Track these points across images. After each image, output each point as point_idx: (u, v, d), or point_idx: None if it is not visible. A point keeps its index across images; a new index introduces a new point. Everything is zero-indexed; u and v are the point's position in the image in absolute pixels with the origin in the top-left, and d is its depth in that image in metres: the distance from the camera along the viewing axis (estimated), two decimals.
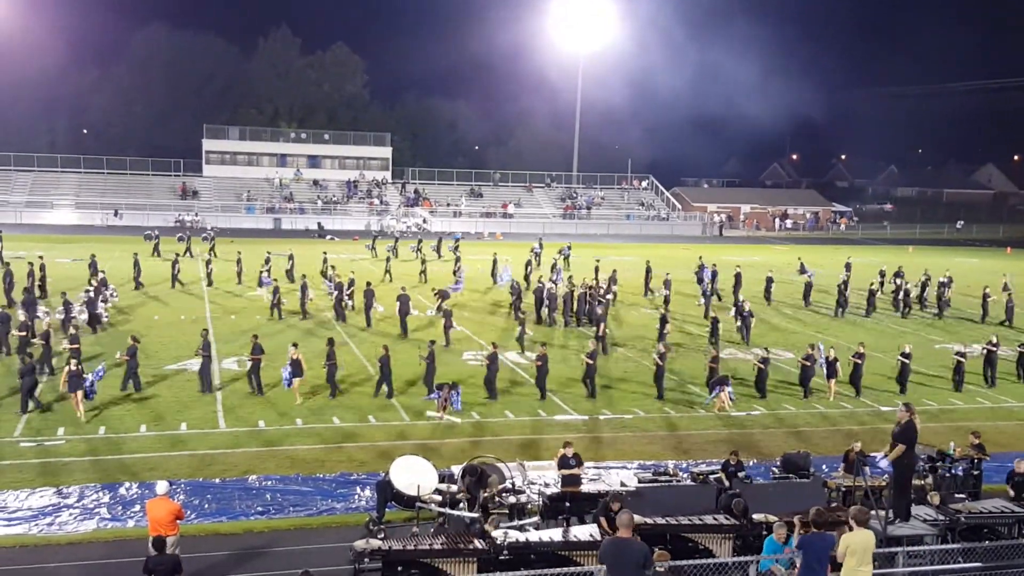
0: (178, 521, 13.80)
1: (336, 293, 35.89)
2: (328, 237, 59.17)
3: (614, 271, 43.22)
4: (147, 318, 34.49)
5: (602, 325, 31.30)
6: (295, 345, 24.16)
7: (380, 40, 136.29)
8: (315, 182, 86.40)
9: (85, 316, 32.24)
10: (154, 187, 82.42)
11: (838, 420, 24.45)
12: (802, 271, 50.03)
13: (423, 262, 47.94)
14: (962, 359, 27.75)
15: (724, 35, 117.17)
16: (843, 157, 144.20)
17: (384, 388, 24.58)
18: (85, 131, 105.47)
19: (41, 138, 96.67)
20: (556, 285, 39.53)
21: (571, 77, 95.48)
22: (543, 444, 21.23)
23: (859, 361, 26.69)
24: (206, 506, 17.13)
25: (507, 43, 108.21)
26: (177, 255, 43.84)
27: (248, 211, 79.54)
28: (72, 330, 26.60)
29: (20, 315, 29.32)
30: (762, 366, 26.21)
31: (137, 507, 16.57)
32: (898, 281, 43.88)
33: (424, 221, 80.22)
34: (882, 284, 45.50)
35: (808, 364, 26.17)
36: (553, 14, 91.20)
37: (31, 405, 22.19)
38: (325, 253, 46.88)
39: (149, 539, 13.47)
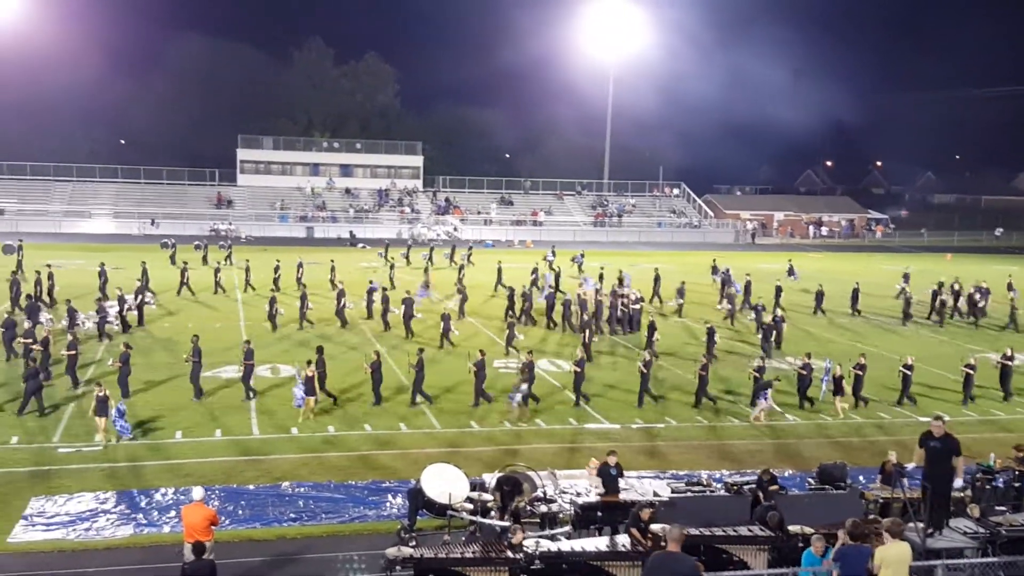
0: (212, 527, 13.89)
1: (342, 300, 35.73)
2: (360, 245, 59.45)
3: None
4: (180, 325, 34.65)
5: (653, 333, 31.42)
6: (309, 363, 24.05)
7: (412, 50, 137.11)
8: (347, 191, 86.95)
9: (118, 323, 32.81)
10: (190, 196, 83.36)
11: (873, 431, 24.13)
12: (790, 273, 49.81)
13: (425, 271, 47.74)
14: (971, 371, 26.95)
15: (756, 39, 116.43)
16: (879, 163, 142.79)
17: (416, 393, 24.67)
18: (123, 141, 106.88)
19: (80, 148, 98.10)
20: (595, 292, 39.34)
21: (602, 84, 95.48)
22: (580, 452, 21.18)
23: (860, 372, 26.09)
24: (240, 512, 17.23)
25: (538, 51, 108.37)
26: (186, 264, 43.64)
27: (281, 220, 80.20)
28: (70, 337, 26.64)
29: (25, 323, 29.78)
30: (803, 372, 25.94)
31: (173, 512, 16.71)
32: (936, 290, 43.40)
33: (455, 229, 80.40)
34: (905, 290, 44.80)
35: (804, 373, 25.76)
36: (584, 21, 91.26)
37: (32, 405, 22.65)
38: (332, 261, 46.85)
39: (185, 545, 13.63)
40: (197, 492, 14.60)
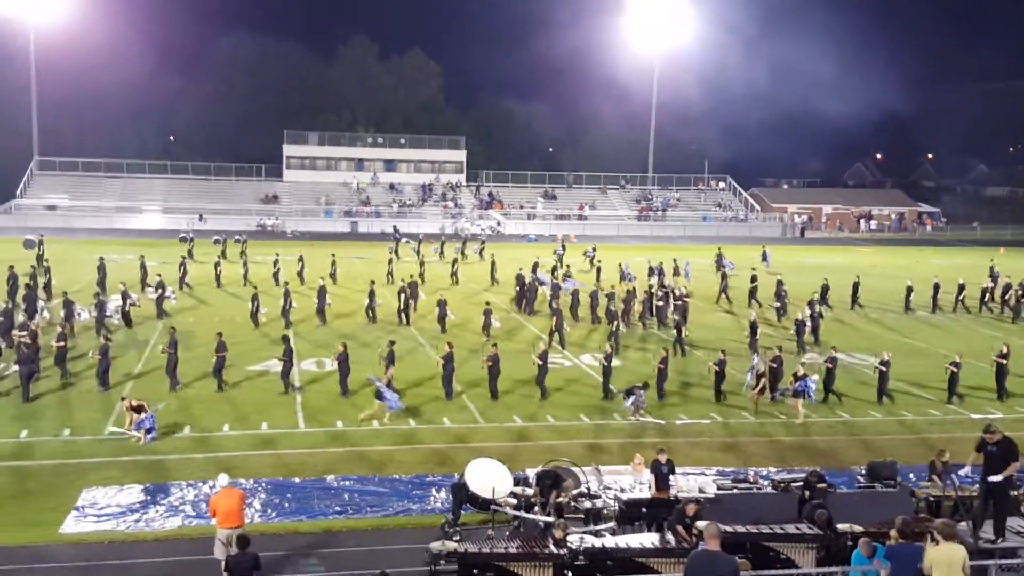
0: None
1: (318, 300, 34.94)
2: (405, 240, 59.73)
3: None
4: (207, 318, 34.80)
5: (681, 328, 31.18)
6: (389, 366, 24.14)
7: (455, 45, 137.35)
8: (391, 186, 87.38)
9: (118, 317, 33.20)
10: (237, 192, 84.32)
11: (923, 428, 23.72)
12: (719, 265, 48.65)
13: (454, 262, 48.11)
14: (955, 369, 26.06)
15: (803, 30, 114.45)
16: (930, 156, 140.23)
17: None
18: (172, 137, 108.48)
19: (130, 145, 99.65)
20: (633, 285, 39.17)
21: (646, 76, 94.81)
22: (604, 448, 21.09)
23: (830, 365, 25.66)
24: (286, 505, 17.38)
25: (581, 44, 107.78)
26: (183, 258, 43.56)
27: (326, 215, 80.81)
28: (59, 329, 27.11)
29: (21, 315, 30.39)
30: (830, 366, 25.61)
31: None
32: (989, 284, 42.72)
33: (498, 224, 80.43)
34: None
35: (775, 366, 25.31)
36: (627, 13, 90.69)
37: (34, 390, 23.57)
38: (333, 255, 46.42)
39: (220, 532, 14.00)
40: (223, 478, 14.91)
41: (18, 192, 77.67)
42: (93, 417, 22.34)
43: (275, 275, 42.66)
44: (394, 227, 72.65)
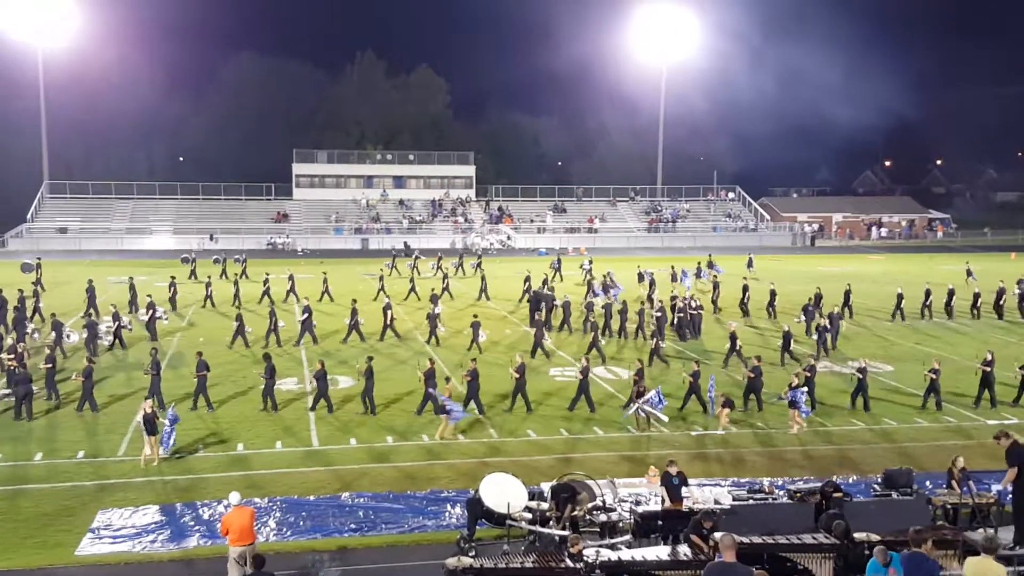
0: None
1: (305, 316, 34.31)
2: (415, 255, 59.91)
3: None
4: (216, 337, 35.00)
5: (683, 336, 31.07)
6: (448, 379, 24.06)
7: (462, 61, 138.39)
8: (401, 202, 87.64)
9: (108, 339, 33.25)
10: (247, 211, 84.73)
11: (940, 435, 23.56)
12: (749, 266, 50.97)
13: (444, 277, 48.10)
14: (934, 375, 25.65)
15: (809, 39, 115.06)
16: (939, 162, 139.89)
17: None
18: (181, 158, 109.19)
19: (140, 166, 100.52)
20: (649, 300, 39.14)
21: (653, 89, 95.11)
22: (638, 460, 21.01)
23: (809, 374, 25.25)
24: (301, 523, 17.36)
25: (588, 57, 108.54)
26: (173, 278, 43.15)
27: (336, 232, 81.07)
28: (47, 350, 27.16)
29: (8, 339, 30.46)
30: (860, 376, 25.45)
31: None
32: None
33: (508, 238, 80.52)
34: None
35: (753, 376, 25.07)
36: (633, 27, 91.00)
37: (24, 412, 23.81)
38: (325, 274, 46.61)
39: (233, 550, 14.05)
40: (235, 496, 14.90)
41: (29, 216, 78.21)
42: (108, 439, 22.39)
43: (265, 293, 42.56)
44: (404, 243, 72.90)
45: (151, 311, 35.17)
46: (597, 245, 79.26)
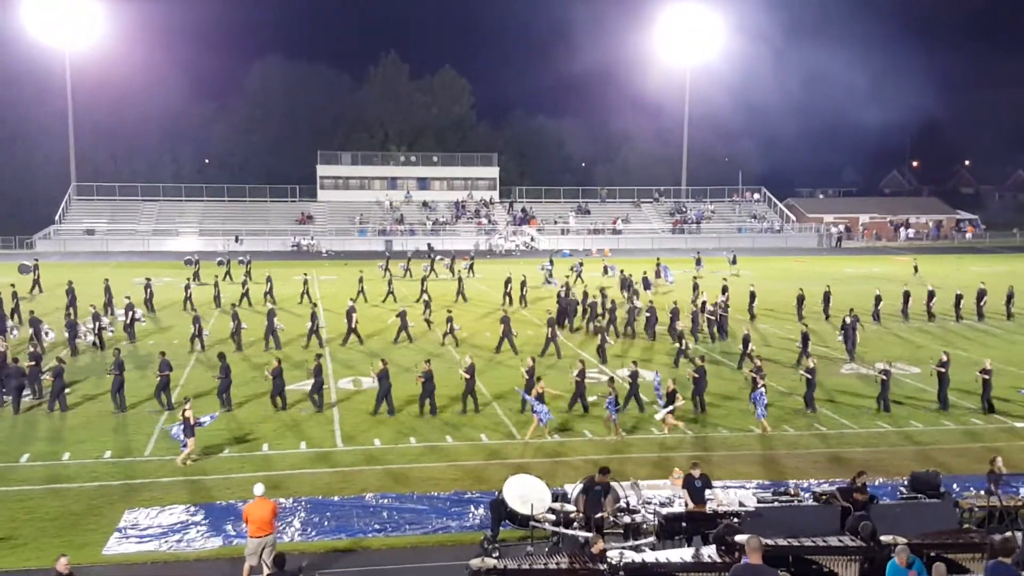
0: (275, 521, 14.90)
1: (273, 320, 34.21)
2: (439, 257, 59.99)
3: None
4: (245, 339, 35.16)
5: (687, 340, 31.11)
6: (539, 379, 24.03)
7: (486, 62, 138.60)
8: (424, 203, 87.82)
9: (89, 339, 33.55)
10: (272, 213, 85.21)
11: (964, 438, 23.31)
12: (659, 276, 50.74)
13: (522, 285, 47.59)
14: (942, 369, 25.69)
15: (836, 39, 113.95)
16: (967, 162, 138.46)
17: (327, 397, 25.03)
18: (207, 161, 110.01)
19: (166, 169, 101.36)
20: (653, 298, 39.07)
21: (678, 90, 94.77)
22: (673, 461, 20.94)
23: (884, 378, 25.17)
24: (325, 523, 17.43)
25: (611, 58, 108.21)
26: (148, 280, 43.32)
27: (360, 234, 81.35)
28: (31, 348, 27.67)
29: None
30: (884, 378, 25.24)
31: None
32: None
33: (532, 239, 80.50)
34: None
35: (697, 376, 25.10)
36: (657, 28, 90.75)
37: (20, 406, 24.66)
38: (361, 272, 46.89)
39: (251, 541, 14.50)
40: (259, 488, 15.23)
41: (57, 218, 79.03)
42: (135, 439, 22.59)
43: (244, 295, 43.20)
44: (428, 245, 73.07)
45: (130, 312, 35.38)
46: (621, 246, 79.03)
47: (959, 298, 40.95)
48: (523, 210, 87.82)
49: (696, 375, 25.22)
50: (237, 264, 55.99)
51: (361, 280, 45.63)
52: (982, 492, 17.04)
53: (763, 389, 23.55)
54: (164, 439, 22.40)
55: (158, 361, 25.67)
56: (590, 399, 24.98)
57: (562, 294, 40.30)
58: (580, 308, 38.97)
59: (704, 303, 37.24)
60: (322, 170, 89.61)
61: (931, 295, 40.97)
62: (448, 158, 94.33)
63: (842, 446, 22.53)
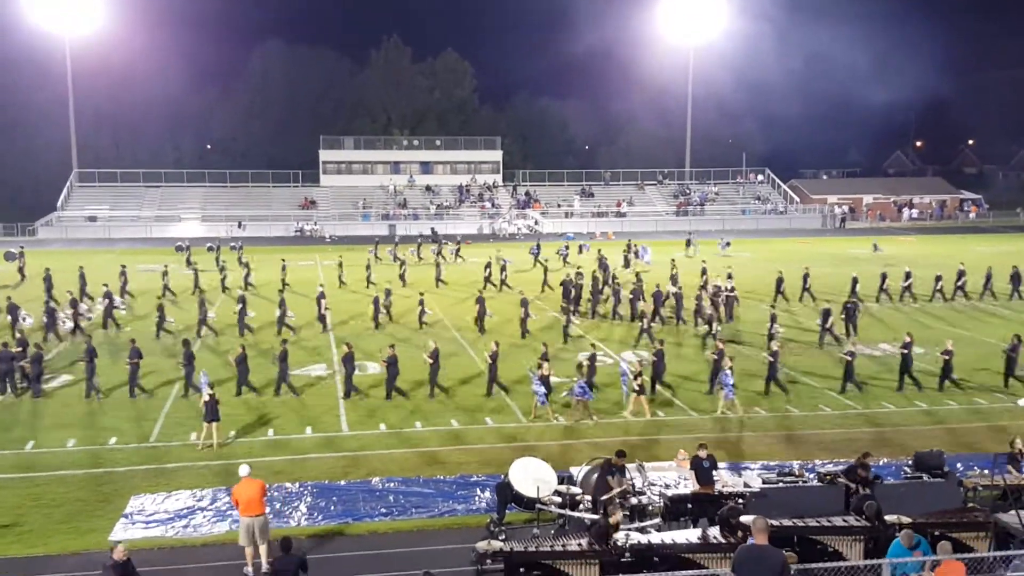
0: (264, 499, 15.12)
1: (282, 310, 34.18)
2: (443, 241, 59.96)
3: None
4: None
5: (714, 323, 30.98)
6: (547, 360, 24.19)
7: (488, 45, 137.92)
8: (428, 188, 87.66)
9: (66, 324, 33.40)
10: (274, 198, 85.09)
11: (967, 417, 23.33)
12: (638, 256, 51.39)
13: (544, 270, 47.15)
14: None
15: (839, 18, 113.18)
16: (971, 142, 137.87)
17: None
18: (209, 146, 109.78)
19: (168, 155, 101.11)
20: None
21: (681, 71, 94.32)
22: (662, 444, 20.97)
23: (905, 351, 25.39)
24: (332, 508, 17.48)
25: (614, 40, 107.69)
26: (166, 266, 43.64)
27: (364, 218, 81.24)
28: (18, 334, 28.24)
29: None
30: (905, 352, 25.33)
31: (267, 509, 17.01)
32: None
33: (536, 223, 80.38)
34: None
35: (656, 359, 25.23)
36: (660, 9, 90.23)
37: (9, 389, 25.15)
38: (284, 260, 46.29)
39: (243, 520, 14.70)
40: (244, 469, 15.48)
41: (59, 204, 78.99)
42: (140, 424, 22.66)
43: (222, 281, 43.43)
44: (432, 229, 72.98)
45: (107, 300, 35.21)
46: (625, 229, 78.81)
47: (961, 274, 40.95)
48: (527, 193, 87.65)
49: (655, 358, 25.33)
50: (228, 250, 55.87)
51: (340, 265, 46.17)
52: (986, 471, 17.09)
53: (729, 371, 23.63)
54: (170, 425, 22.48)
55: (129, 348, 25.65)
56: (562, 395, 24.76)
57: (571, 277, 40.26)
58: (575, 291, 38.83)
59: (717, 285, 37.13)
60: (324, 155, 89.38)
61: (883, 277, 40.59)
62: (451, 142, 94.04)
63: (846, 426, 22.55)
